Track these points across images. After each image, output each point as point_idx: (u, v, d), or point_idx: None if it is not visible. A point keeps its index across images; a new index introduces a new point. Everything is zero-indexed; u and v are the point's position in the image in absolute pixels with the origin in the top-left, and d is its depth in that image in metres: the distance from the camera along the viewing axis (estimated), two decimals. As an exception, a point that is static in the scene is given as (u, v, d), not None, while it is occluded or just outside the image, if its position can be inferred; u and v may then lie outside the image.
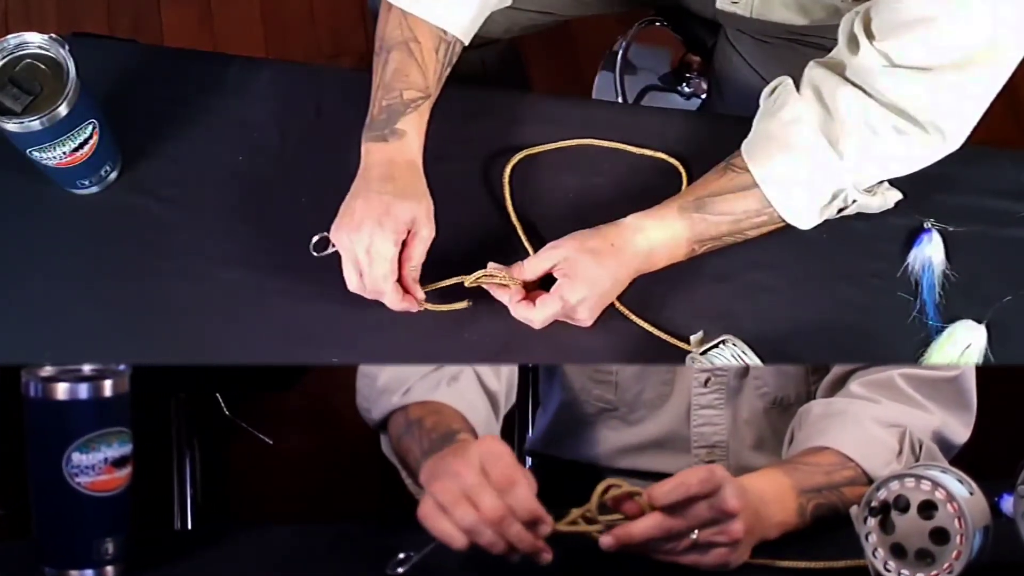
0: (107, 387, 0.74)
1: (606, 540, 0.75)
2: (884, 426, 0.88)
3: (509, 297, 0.92)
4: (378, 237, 0.88)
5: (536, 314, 0.90)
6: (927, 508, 0.73)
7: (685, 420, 1.02)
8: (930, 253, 0.98)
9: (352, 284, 0.91)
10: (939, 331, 0.96)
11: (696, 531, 0.74)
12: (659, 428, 1.03)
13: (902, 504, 0.74)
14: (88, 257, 0.99)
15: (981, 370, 0.95)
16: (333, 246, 0.91)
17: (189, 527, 1.59)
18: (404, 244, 0.90)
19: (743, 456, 1.01)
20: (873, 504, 0.75)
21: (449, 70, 0.97)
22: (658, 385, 1.03)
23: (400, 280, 0.90)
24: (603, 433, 1.07)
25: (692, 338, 0.93)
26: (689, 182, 1.00)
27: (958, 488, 0.73)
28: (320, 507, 1.67)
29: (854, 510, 0.77)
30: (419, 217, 0.90)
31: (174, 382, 1.47)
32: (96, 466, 0.74)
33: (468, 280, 0.92)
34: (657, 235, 0.92)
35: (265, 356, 0.97)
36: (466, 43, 0.97)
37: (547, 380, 1.14)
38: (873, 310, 0.98)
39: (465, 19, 0.96)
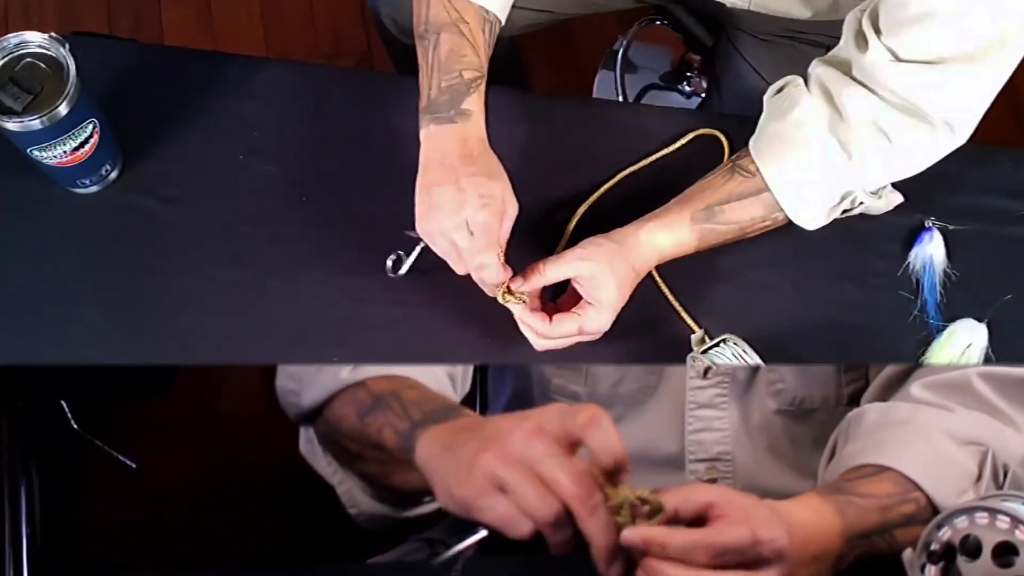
0: None
1: (631, 536, 0.59)
2: (960, 443, 0.72)
3: (521, 308, 0.88)
4: (481, 213, 0.85)
5: (553, 330, 0.86)
6: (1005, 552, 0.57)
7: (677, 424, 0.86)
8: (931, 252, 0.98)
9: (464, 266, 0.87)
10: (940, 330, 0.96)
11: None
12: (642, 434, 0.87)
13: (971, 547, 0.58)
14: (88, 256, 0.99)
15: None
16: (407, 263, 0.92)
17: (26, 576, 1.24)
18: None
19: (753, 474, 0.85)
20: (934, 547, 0.60)
21: (492, 51, 0.96)
22: (642, 374, 0.87)
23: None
24: None
25: (692, 337, 0.93)
26: (732, 150, 1.00)
27: None
28: (202, 547, 1.30)
29: (908, 554, 0.62)
30: (506, 196, 0.88)
31: (5, 387, 1.12)
32: None
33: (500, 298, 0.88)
34: (667, 245, 0.91)
35: (265, 356, 0.96)
36: (503, 22, 0.97)
37: (498, 372, 0.98)
38: (874, 309, 0.98)
39: None
